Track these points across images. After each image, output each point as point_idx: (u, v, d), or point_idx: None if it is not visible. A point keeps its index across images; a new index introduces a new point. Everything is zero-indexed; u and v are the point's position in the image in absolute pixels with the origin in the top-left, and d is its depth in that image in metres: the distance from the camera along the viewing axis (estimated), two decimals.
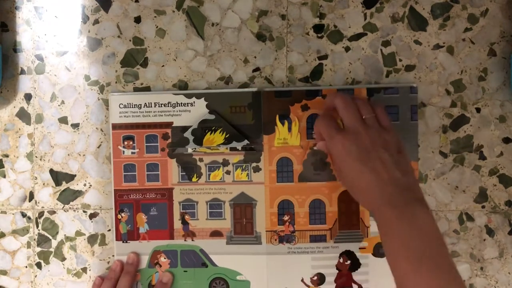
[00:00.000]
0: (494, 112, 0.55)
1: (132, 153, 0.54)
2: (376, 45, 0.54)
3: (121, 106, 0.54)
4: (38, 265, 0.55)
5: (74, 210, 0.55)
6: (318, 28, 0.54)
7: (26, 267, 0.55)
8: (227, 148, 0.53)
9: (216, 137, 0.53)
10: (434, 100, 0.55)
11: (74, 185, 0.55)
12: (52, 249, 0.55)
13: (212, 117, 0.53)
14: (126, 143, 0.54)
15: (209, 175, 0.54)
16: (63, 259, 0.55)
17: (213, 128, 0.53)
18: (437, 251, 0.41)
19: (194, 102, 0.53)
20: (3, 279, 0.55)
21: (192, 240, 0.54)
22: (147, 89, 0.54)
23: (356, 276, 0.53)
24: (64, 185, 0.55)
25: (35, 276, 0.55)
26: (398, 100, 0.53)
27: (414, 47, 0.54)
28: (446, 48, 0.54)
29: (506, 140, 0.55)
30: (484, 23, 0.54)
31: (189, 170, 0.54)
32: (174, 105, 0.53)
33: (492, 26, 0.54)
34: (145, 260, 0.54)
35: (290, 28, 0.54)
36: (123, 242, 0.54)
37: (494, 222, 0.55)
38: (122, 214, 0.54)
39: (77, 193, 0.55)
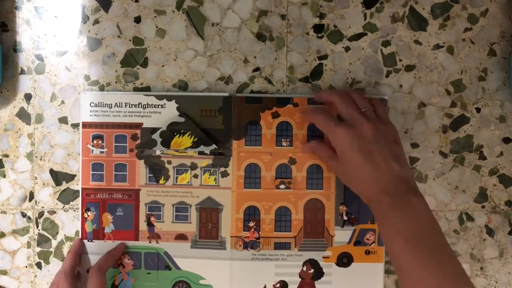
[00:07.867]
0: (494, 112, 0.55)
1: (101, 152, 0.54)
2: (376, 45, 0.54)
3: (92, 104, 0.53)
4: (38, 265, 0.55)
5: (74, 210, 0.55)
6: (318, 28, 0.54)
7: (26, 267, 0.55)
8: (195, 152, 0.53)
9: (184, 140, 0.53)
10: (434, 100, 0.55)
11: (74, 185, 0.55)
12: (52, 249, 0.55)
13: (182, 120, 0.53)
14: (95, 142, 0.54)
15: (177, 178, 0.54)
16: (63, 259, 0.55)
17: (181, 131, 0.53)
18: (431, 233, 0.43)
19: (164, 104, 0.53)
20: (3, 279, 0.55)
21: (157, 243, 0.54)
22: (147, 89, 0.54)
23: (319, 285, 0.53)
24: (64, 185, 0.55)
25: (35, 276, 0.55)
26: None
27: (414, 47, 0.54)
28: (446, 48, 0.54)
29: (506, 140, 0.55)
30: (484, 23, 0.54)
31: (157, 172, 0.54)
32: (144, 106, 0.53)
33: (492, 26, 0.54)
34: None
35: (290, 28, 0.54)
36: (88, 241, 0.54)
37: (494, 222, 0.55)
38: (89, 213, 0.54)
39: (77, 193, 0.55)
